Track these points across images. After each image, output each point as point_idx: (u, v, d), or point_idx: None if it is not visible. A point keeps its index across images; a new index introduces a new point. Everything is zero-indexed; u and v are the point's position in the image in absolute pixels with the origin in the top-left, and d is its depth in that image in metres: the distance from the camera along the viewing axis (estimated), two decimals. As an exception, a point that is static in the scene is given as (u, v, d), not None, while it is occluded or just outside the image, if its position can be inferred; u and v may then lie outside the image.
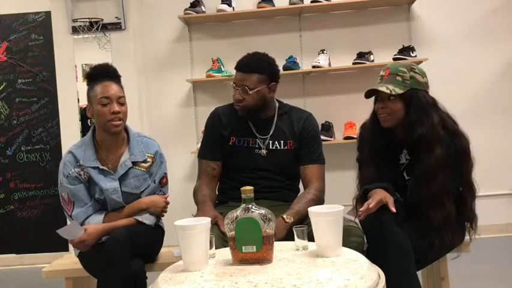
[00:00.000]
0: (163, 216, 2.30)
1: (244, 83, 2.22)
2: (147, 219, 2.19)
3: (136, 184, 2.21)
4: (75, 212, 2.16)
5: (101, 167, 2.18)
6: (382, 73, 2.11)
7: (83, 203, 2.17)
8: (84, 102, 4.02)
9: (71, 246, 2.19)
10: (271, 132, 2.31)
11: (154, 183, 2.26)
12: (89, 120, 4.06)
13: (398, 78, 2.05)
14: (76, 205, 2.17)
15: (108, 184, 2.17)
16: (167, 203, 2.27)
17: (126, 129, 2.27)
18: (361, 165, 2.22)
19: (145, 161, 2.24)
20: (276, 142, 2.31)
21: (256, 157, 2.29)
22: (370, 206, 1.88)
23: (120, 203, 2.19)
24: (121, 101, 2.17)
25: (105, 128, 2.17)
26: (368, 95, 2.13)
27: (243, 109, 2.25)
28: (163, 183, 2.29)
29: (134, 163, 2.22)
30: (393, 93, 2.02)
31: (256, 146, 2.30)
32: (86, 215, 2.16)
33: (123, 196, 2.20)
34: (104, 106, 2.13)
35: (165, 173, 2.31)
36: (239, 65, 2.26)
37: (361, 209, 1.91)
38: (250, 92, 2.21)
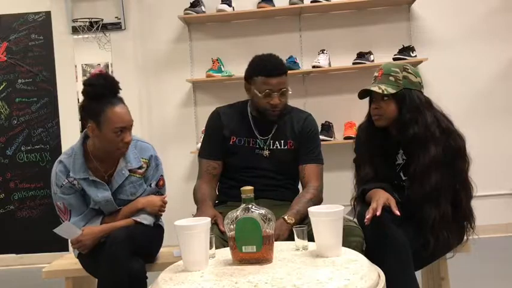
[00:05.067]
0: (161, 215, 2.29)
1: (282, 86, 2.22)
2: (146, 219, 2.18)
3: (132, 191, 2.19)
4: (72, 220, 2.12)
5: (91, 178, 2.12)
6: (375, 74, 2.12)
7: (80, 212, 2.15)
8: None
9: (71, 247, 2.18)
10: (272, 132, 2.31)
11: (151, 186, 2.25)
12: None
13: (391, 78, 2.06)
14: (73, 214, 2.14)
15: (100, 195, 2.13)
16: (164, 203, 2.25)
17: None
18: (358, 165, 2.23)
19: (140, 167, 2.20)
20: (277, 142, 2.31)
21: (256, 157, 2.29)
22: (378, 213, 1.88)
23: (115, 208, 2.18)
24: (132, 127, 2.10)
25: (110, 151, 2.10)
26: (362, 95, 2.14)
27: (280, 113, 2.25)
28: (160, 185, 2.28)
29: (130, 170, 2.18)
30: (385, 93, 2.03)
31: (257, 146, 2.30)
32: (84, 222, 2.13)
33: (120, 203, 2.18)
34: (118, 135, 2.04)
35: (162, 175, 2.29)
36: (270, 70, 2.21)
37: (367, 217, 1.89)
38: (287, 94, 2.24)
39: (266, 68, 2.21)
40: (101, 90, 2.05)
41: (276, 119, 2.26)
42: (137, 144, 2.22)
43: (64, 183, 2.12)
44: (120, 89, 2.12)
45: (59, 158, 2.18)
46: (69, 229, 2.10)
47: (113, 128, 2.03)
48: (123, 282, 1.92)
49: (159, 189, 2.28)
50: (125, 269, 1.94)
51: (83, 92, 2.10)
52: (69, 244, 2.17)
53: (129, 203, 2.20)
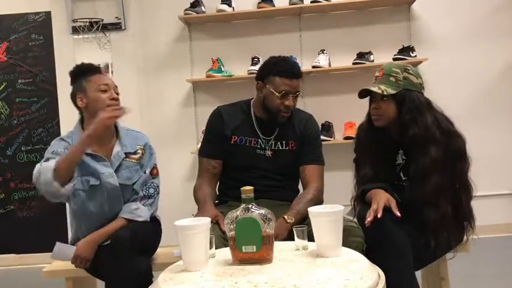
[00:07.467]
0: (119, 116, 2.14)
1: (298, 89, 2.25)
2: (140, 216, 2.17)
3: (128, 175, 2.21)
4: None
5: (93, 152, 2.16)
6: (376, 73, 2.12)
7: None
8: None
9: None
10: (276, 133, 2.32)
11: (145, 173, 2.26)
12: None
13: (392, 78, 2.05)
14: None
15: (104, 169, 2.17)
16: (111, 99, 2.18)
17: (114, 123, 2.25)
18: (358, 165, 2.23)
19: (135, 153, 2.25)
20: (279, 143, 2.31)
21: (257, 157, 2.29)
22: (379, 215, 1.88)
23: (116, 187, 2.17)
24: (117, 91, 2.21)
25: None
26: (362, 95, 2.14)
27: (289, 115, 2.27)
28: (154, 173, 2.30)
29: (126, 154, 2.22)
30: (385, 93, 2.02)
31: (258, 146, 2.30)
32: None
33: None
34: (103, 92, 2.16)
35: (155, 164, 2.32)
36: (291, 72, 2.22)
37: (368, 219, 1.89)
38: (298, 98, 2.26)
39: (288, 69, 2.22)
40: (83, 68, 2.27)
41: (284, 121, 2.27)
42: (132, 133, 2.32)
43: (59, 150, 2.13)
44: (104, 73, 2.28)
45: (59, 137, 2.25)
46: (63, 248, 2.10)
47: (96, 87, 2.17)
48: (130, 281, 1.92)
49: (153, 178, 2.29)
50: (132, 269, 1.93)
51: (71, 79, 2.27)
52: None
53: (125, 187, 2.20)
